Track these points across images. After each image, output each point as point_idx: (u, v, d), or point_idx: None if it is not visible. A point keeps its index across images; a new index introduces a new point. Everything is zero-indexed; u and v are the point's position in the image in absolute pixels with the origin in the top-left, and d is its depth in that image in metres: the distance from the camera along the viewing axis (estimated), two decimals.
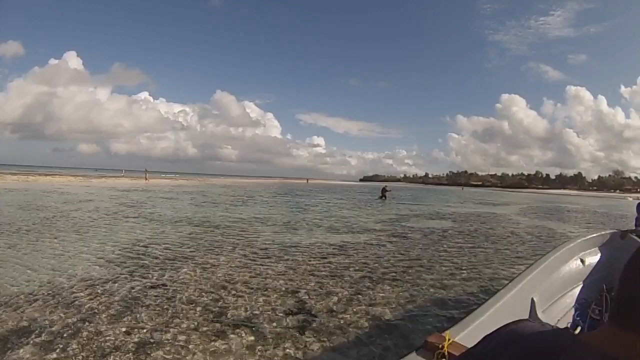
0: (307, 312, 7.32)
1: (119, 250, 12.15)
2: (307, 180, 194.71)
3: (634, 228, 10.32)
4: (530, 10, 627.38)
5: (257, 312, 7.24)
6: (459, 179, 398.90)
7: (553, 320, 5.71)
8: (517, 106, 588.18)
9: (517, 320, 1.29)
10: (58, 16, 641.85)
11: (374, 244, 15.14)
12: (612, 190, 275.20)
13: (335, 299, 8.15)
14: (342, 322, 6.89)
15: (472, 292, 8.97)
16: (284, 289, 8.75)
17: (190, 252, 12.27)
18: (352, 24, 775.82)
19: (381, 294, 8.52)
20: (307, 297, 8.24)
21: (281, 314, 7.18)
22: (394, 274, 10.35)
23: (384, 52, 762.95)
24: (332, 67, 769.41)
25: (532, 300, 5.39)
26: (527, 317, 5.10)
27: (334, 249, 13.71)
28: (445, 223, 24.53)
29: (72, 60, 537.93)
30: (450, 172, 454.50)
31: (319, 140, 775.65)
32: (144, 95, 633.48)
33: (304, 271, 10.37)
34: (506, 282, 5.44)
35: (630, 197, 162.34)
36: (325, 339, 6.17)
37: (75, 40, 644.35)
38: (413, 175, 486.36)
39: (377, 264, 11.48)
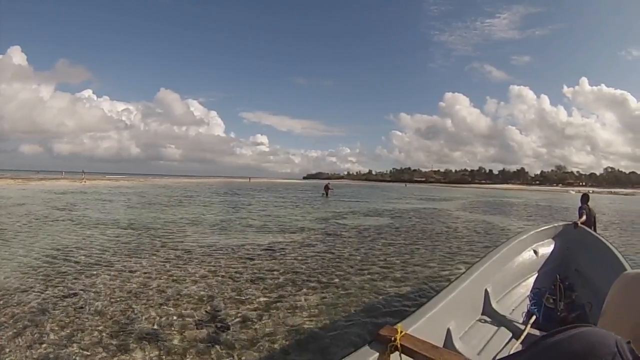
0: (220, 322, 6.84)
1: (42, 256, 11.58)
2: (250, 179, 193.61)
3: (577, 220, 10.01)
4: (476, 13, 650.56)
5: (166, 322, 6.79)
6: (403, 176, 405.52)
7: (508, 310, 5.76)
8: (461, 104, 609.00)
9: (580, 325, 1.17)
10: (2, 10, 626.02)
11: (305, 244, 14.64)
12: (555, 184, 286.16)
13: (253, 306, 7.64)
14: (256, 333, 6.41)
15: (405, 295, 8.51)
16: (199, 296, 8.26)
17: (112, 257, 11.72)
18: (300, 21, 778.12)
19: (303, 300, 7.99)
20: (222, 304, 7.73)
21: (192, 325, 6.72)
22: (320, 277, 9.84)
23: (330, 51, 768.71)
24: (277, 65, 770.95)
25: (486, 291, 5.49)
26: (481, 307, 5.36)
27: (261, 250, 13.14)
28: (384, 220, 24.40)
29: (17, 56, 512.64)
30: (393, 169, 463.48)
31: (263, 139, 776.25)
32: (88, 93, 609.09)
33: (225, 275, 9.83)
34: (459, 274, 5.43)
35: (572, 190, 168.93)
36: (235, 354, 5.70)
37: (20, 35, 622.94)
38: (356, 173, 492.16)
39: (304, 266, 10.96)
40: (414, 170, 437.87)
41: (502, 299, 6.03)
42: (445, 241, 16.13)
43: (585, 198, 12.10)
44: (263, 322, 6.84)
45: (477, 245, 15.28)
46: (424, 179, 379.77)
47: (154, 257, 11.60)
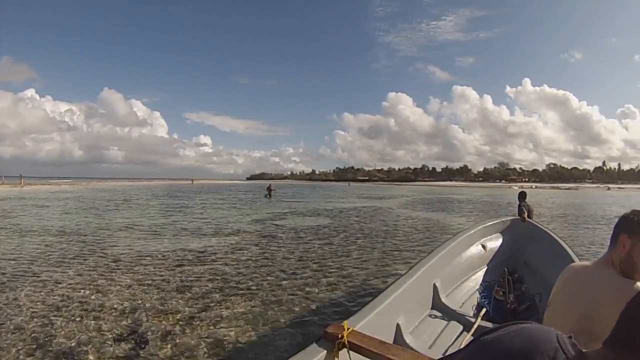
0: (140, 337, 6.44)
1: None
2: (192, 180, 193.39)
3: (517, 216, 10.35)
4: (422, 15, 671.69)
5: (85, 338, 6.37)
6: (346, 175, 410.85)
7: (458, 304, 5.86)
8: (404, 104, 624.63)
9: (520, 322, 1.20)
10: None
11: (239, 247, 14.25)
12: (498, 181, 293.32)
13: (176, 318, 7.24)
14: (176, 348, 6.03)
15: (338, 301, 8.24)
16: (122, 307, 7.82)
17: (39, 267, 11.14)
18: (244, 20, 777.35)
19: (229, 310, 7.61)
20: (144, 316, 7.31)
21: (110, 340, 6.32)
22: (250, 283, 9.49)
23: (275, 50, 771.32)
24: (221, 64, 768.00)
25: (435, 285, 5.56)
26: (430, 302, 5.43)
27: (193, 255, 12.68)
28: (322, 220, 24.29)
29: None
30: (337, 168, 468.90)
31: (206, 140, 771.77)
32: (31, 92, 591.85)
33: (151, 284, 9.37)
34: (406, 269, 5.41)
35: (515, 186, 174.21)
36: None
37: None
38: (300, 173, 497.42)
39: (234, 272, 10.56)
40: (358, 170, 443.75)
41: (452, 293, 6.12)
42: (383, 240, 16.06)
43: (522, 195, 12.03)
44: (185, 335, 6.47)
45: (416, 244, 15.25)
46: (367, 178, 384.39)
47: (82, 266, 11.13)
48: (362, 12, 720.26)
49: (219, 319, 7.17)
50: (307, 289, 9.01)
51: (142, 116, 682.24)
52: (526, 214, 10.51)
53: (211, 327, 6.77)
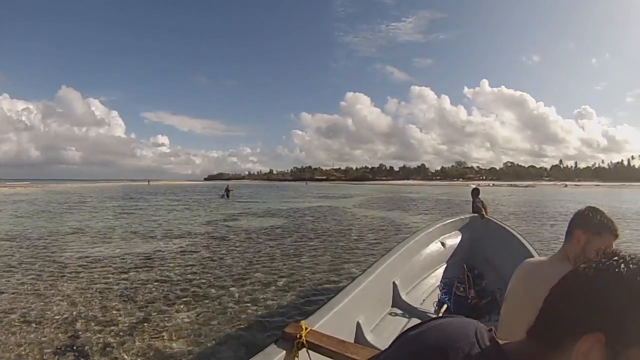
0: (78, 350, 6.13)
1: None
2: (149, 182, 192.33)
3: (472, 212, 11.07)
4: (383, 16, 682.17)
5: (23, 352, 6.05)
6: (304, 175, 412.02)
7: (419, 301, 5.96)
8: (362, 104, 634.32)
9: (443, 317, 1.23)
10: None
11: (188, 250, 13.92)
12: (456, 179, 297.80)
13: (116, 328, 6.91)
14: None
15: (287, 308, 7.98)
16: (64, 317, 7.45)
17: None
18: (204, 19, 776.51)
19: (173, 320, 7.31)
20: (84, 327, 6.97)
21: (49, 354, 6.00)
22: (197, 289, 9.19)
23: (234, 50, 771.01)
24: (181, 64, 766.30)
25: (394, 283, 5.62)
26: (390, 300, 5.51)
27: (140, 260, 12.27)
28: (276, 221, 24.08)
29: None
30: (295, 168, 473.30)
31: (164, 139, 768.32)
32: None
33: (94, 292, 8.97)
34: (365, 268, 5.43)
35: (473, 184, 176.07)
36: None
37: None
38: (258, 173, 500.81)
39: (181, 278, 10.24)
40: (315, 169, 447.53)
41: (412, 291, 6.20)
42: (336, 241, 15.96)
43: (476, 192, 12.64)
44: (126, 347, 6.20)
45: (370, 244, 15.23)
46: (325, 178, 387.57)
47: (26, 274, 10.66)
48: (323, 12, 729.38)
49: (161, 329, 6.89)
50: (255, 295, 8.74)
51: (100, 115, 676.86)
52: (484, 211, 10.92)
53: (154, 338, 6.50)
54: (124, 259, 12.46)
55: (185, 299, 8.43)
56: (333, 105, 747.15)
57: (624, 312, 0.92)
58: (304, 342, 2.93)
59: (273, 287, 9.31)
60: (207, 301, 8.30)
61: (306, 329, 3.06)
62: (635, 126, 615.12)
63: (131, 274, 10.59)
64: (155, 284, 9.61)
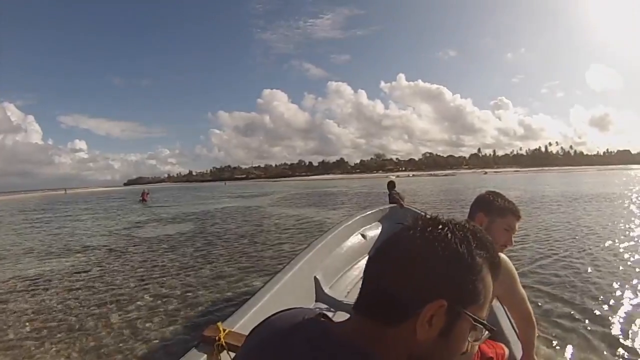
0: None
1: None
2: (66, 190, 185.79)
3: (389, 204, 11.25)
4: (301, 12, 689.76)
5: None
6: (223, 174, 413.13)
7: (342, 294, 5.92)
8: (279, 100, 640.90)
9: (291, 309, 1.31)
10: None
11: (79, 269, 12.11)
12: (376, 171, 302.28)
13: None
14: None
15: (172, 341, 6.56)
16: None
17: None
18: (117, 16, 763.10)
19: None
20: None
21: None
22: (74, 320, 7.53)
23: (149, 49, 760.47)
24: (95, 64, 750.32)
25: (316, 278, 5.57)
26: (313, 295, 5.45)
27: (24, 285, 10.46)
28: (184, 226, 22.64)
29: None
30: (214, 168, 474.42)
31: (81, 144, 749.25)
32: None
33: None
34: (284, 264, 5.34)
35: (392, 175, 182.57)
36: None
37: None
38: (177, 174, 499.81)
39: (61, 306, 8.52)
40: (235, 168, 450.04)
41: (335, 284, 6.19)
42: (245, 247, 14.65)
43: (391, 184, 13.64)
44: None
45: (280, 248, 14.12)
46: (244, 176, 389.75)
47: None
48: (240, 9, 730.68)
49: None
50: (136, 327, 7.10)
51: (15, 121, 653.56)
52: (403, 201, 11.99)
53: None
54: (7, 284, 10.59)
55: (58, 335, 6.84)
56: (250, 103, 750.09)
57: (458, 276, 1.01)
58: (223, 344, 2.95)
59: (158, 319, 7.46)
60: (81, 337, 6.74)
61: (224, 330, 3.07)
62: (550, 115, 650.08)
63: (10, 305, 8.81)
64: (32, 316, 7.91)
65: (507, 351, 3.31)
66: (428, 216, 1.14)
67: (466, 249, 1.03)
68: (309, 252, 5.76)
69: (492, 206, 2.90)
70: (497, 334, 3.51)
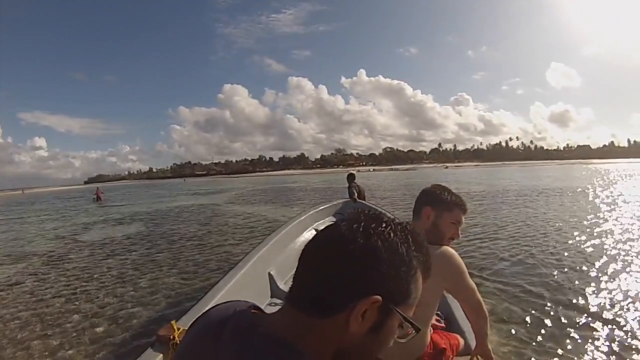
0: None
1: None
2: (23, 190, 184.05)
3: (347, 198, 12.09)
4: (263, 7, 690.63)
5: None
6: (184, 171, 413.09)
7: None
8: (240, 96, 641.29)
9: (228, 302, 1.30)
10: None
11: (13, 281, 10.83)
12: (336, 166, 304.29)
13: None
14: None
15: None
16: None
17: None
18: (80, 11, 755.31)
19: None
20: None
21: None
22: None
23: (111, 44, 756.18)
24: (57, 59, 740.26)
25: (270, 274, 5.72)
26: (269, 292, 5.61)
27: None
28: (135, 227, 21.54)
29: None
30: (174, 164, 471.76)
31: (41, 142, 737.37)
32: None
33: None
34: (237, 261, 5.42)
35: (353, 170, 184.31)
36: None
37: None
38: (137, 172, 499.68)
39: None
40: (195, 164, 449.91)
41: (290, 280, 5.20)
42: (191, 250, 13.55)
43: (351, 177, 14.09)
44: None
45: (228, 250, 13.19)
46: (205, 173, 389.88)
47: None
48: (205, 3, 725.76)
49: None
50: (57, 353, 6.17)
51: None
52: (356, 194, 12.52)
53: None
54: None
55: None
56: (211, 98, 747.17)
57: (397, 275, 1.03)
58: (178, 342, 2.84)
59: (84, 343, 6.47)
60: None
61: (178, 329, 3.09)
62: (511, 111, 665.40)
63: None
64: None
65: (462, 342, 3.40)
66: (372, 213, 1.13)
67: (405, 250, 1.05)
68: (262, 248, 5.93)
69: (439, 200, 2.96)
70: (451, 325, 3.78)
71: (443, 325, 3.75)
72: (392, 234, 1.05)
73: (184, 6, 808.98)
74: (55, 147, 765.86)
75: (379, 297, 0.98)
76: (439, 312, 3.75)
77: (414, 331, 1.07)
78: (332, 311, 1.00)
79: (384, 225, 1.06)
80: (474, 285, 2.92)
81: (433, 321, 3.25)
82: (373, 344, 1.05)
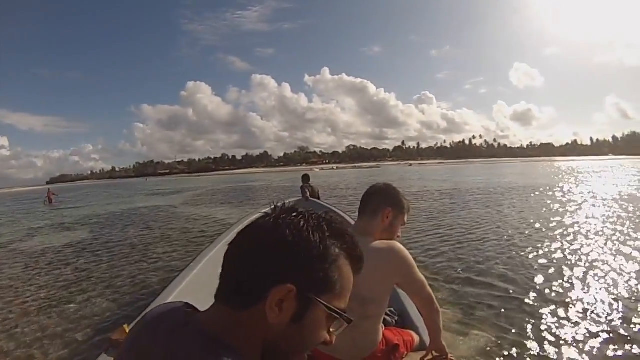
0: None
1: None
2: None
3: (300, 197, 12.84)
4: (229, 4, 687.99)
5: None
6: (147, 170, 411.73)
7: None
8: (203, 93, 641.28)
9: (170, 302, 1.31)
10: None
11: None
12: (300, 165, 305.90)
13: None
14: None
15: None
16: None
17: None
18: (42, 5, 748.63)
19: None
20: None
21: None
22: None
23: (76, 39, 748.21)
24: (19, 54, 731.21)
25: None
26: None
27: None
28: (81, 233, 20.10)
29: None
30: (137, 163, 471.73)
31: (3, 141, 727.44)
32: None
33: None
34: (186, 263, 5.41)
35: (316, 168, 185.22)
36: None
37: None
38: (100, 171, 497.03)
39: None
40: (158, 163, 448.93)
41: None
42: (136, 261, 12.41)
43: (305, 177, 14.58)
44: None
45: (175, 259, 12.10)
46: (168, 171, 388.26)
47: None
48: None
49: None
50: None
51: None
52: (308, 194, 13.28)
53: None
54: None
55: None
56: (174, 96, 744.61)
57: (308, 263, 1.05)
58: None
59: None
60: None
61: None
62: (473, 109, 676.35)
63: None
64: None
65: (416, 338, 3.43)
66: (287, 205, 1.21)
67: (319, 237, 1.07)
68: (213, 248, 5.99)
69: (399, 203, 3.13)
70: (405, 322, 3.77)
71: (396, 320, 3.76)
72: (301, 223, 1.07)
73: (150, 1, 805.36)
74: (17, 146, 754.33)
75: (292, 286, 1.00)
76: (392, 309, 3.80)
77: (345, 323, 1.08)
78: (251, 302, 1.02)
79: (294, 214, 1.10)
80: (423, 279, 2.98)
81: (386, 317, 3.34)
82: (298, 335, 1.05)
